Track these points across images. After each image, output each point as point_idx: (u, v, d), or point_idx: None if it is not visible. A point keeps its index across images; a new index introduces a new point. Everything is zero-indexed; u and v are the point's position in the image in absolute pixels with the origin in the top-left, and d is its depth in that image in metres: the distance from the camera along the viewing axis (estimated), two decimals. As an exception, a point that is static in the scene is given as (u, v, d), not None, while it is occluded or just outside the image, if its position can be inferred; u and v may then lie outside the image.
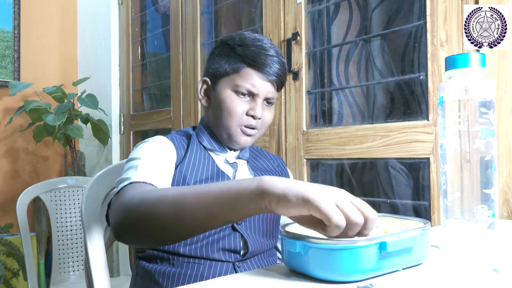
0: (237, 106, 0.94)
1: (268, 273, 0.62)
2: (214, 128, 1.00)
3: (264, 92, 0.95)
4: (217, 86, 0.98)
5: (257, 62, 0.93)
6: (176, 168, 0.93)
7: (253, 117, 0.95)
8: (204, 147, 1.00)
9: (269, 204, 0.57)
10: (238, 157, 1.02)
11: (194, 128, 1.06)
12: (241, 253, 0.93)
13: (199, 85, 1.02)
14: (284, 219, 1.08)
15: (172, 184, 0.91)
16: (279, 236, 0.65)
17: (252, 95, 0.95)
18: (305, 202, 0.53)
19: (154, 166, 0.86)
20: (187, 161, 0.94)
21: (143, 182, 0.79)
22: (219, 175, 0.95)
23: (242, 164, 1.03)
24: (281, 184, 0.56)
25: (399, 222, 0.73)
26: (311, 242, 0.57)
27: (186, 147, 0.98)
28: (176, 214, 0.64)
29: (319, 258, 0.56)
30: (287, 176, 1.11)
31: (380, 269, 0.57)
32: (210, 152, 1.00)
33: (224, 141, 1.00)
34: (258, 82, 0.94)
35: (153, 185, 0.80)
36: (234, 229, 0.93)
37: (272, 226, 1.01)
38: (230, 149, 1.02)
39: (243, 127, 0.96)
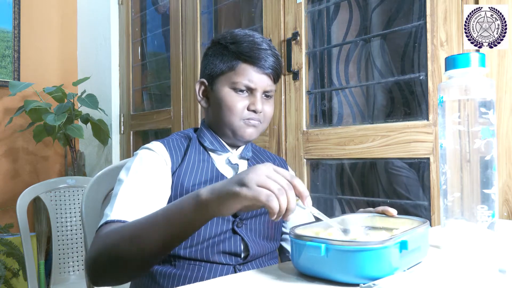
0: (237, 102, 0.95)
1: (270, 273, 0.62)
2: (217, 127, 0.99)
3: (262, 85, 0.95)
4: (215, 86, 0.98)
5: (251, 57, 0.94)
6: (173, 174, 0.92)
7: (254, 111, 0.95)
8: (205, 148, 0.99)
9: (212, 211, 0.65)
10: (241, 156, 1.02)
11: (196, 130, 1.05)
12: (242, 256, 0.92)
13: (197, 87, 1.03)
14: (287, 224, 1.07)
15: (172, 190, 0.91)
16: (289, 240, 0.66)
17: (250, 90, 0.95)
18: (236, 197, 0.61)
19: (137, 192, 0.86)
20: (185, 165, 0.94)
21: (117, 221, 0.80)
22: (218, 177, 0.95)
23: (244, 165, 1.02)
24: (214, 191, 0.65)
25: (389, 221, 0.74)
26: (335, 245, 0.56)
27: (184, 150, 0.97)
28: (136, 245, 0.71)
29: (342, 261, 0.55)
30: None
31: (398, 268, 0.57)
32: (211, 153, 0.99)
33: (228, 138, 0.99)
34: (255, 77, 0.94)
35: (125, 221, 0.80)
36: (234, 232, 0.92)
37: (274, 230, 1.00)
38: (233, 148, 1.01)
39: (246, 120, 0.96)
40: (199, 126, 1.06)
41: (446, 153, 0.72)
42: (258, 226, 0.96)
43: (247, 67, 0.94)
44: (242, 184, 0.61)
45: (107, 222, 0.80)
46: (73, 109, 2.56)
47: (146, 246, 0.70)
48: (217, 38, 1.00)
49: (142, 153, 0.94)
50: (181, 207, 0.68)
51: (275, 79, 0.99)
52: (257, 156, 1.07)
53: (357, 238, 0.68)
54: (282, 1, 1.69)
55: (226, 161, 1.00)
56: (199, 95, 1.03)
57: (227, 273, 0.90)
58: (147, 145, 0.96)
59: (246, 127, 0.96)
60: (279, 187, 0.61)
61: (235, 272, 0.91)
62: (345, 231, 0.69)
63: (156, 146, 0.95)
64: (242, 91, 0.95)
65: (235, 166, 0.99)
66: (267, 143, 1.73)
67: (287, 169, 1.11)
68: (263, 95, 0.97)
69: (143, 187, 0.87)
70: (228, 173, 0.98)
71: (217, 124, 0.99)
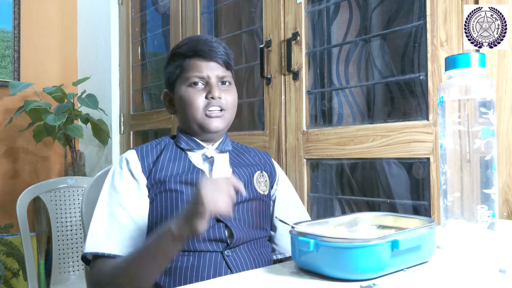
0: (195, 96, 0.99)
1: (270, 272, 0.62)
2: (187, 128, 1.03)
3: (213, 72, 0.99)
4: (175, 90, 1.03)
5: (196, 51, 1.00)
6: (149, 176, 0.96)
7: (213, 98, 0.98)
8: (182, 149, 1.02)
9: (188, 236, 0.78)
10: (220, 150, 1.04)
11: (174, 136, 1.08)
12: (228, 242, 0.94)
13: (163, 99, 1.09)
14: (276, 212, 1.08)
15: (149, 191, 0.96)
16: (290, 235, 0.67)
17: (204, 80, 1.00)
18: (200, 215, 0.74)
19: (111, 220, 0.93)
20: (161, 163, 0.98)
21: (107, 256, 0.89)
22: (195, 170, 0.98)
23: (223, 158, 1.04)
24: (180, 221, 0.78)
25: (401, 220, 0.74)
26: (324, 241, 0.57)
27: (157, 154, 1.00)
28: (134, 278, 0.84)
29: (332, 256, 0.57)
30: (272, 169, 1.11)
31: (391, 266, 0.57)
32: (188, 152, 1.02)
33: (200, 135, 1.02)
34: (203, 67, 0.99)
35: (110, 255, 0.90)
36: (218, 220, 0.94)
37: (259, 218, 1.01)
38: (209, 143, 1.04)
39: (207, 111, 0.99)
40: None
41: (446, 153, 0.72)
42: (242, 214, 0.98)
43: (195, 61, 1.00)
44: (198, 203, 0.74)
45: (96, 259, 0.91)
46: (73, 109, 2.56)
47: (142, 282, 0.84)
48: (170, 51, 1.08)
49: (116, 171, 0.98)
50: (162, 248, 0.80)
51: (226, 65, 1.02)
52: (237, 153, 1.09)
53: (348, 235, 0.68)
54: (282, 1, 1.69)
55: (202, 157, 1.02)
56: (165, 105, 1.09)
57: (216, 260, 0.91)
58: (123, 156, 1.00)
59: (209, 119, 0.99)
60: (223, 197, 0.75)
61: (224, 258, 0.92)
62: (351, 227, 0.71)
63: (130, 156, 0.99)
64: (196, 83, 0.99)
65: (211, 160, 1.01)
66: (267, 143, 1.73)
67: (271, 162, 1.12)
68: (219, 83, 1.01)
69: (117, 214, 0.93)
70: (204, 167, 1.01)
71: (186, 124, 1.03)
